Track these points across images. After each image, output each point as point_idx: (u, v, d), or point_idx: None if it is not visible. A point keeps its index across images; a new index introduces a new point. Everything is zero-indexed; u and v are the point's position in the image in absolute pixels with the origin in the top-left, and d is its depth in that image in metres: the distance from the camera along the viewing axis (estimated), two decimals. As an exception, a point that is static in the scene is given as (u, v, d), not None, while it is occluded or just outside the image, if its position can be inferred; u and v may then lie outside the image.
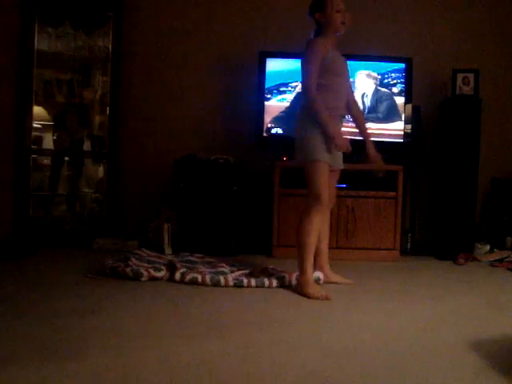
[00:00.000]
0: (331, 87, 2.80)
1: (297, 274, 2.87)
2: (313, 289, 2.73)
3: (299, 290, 2.77)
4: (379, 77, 4.07)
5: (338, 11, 2.78)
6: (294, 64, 4.04)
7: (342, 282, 3.03)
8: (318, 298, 2.66)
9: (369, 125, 3.85)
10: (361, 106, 4.03)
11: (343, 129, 2.98)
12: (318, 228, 2.79)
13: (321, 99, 2.74)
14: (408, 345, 2.01)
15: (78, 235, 4.11)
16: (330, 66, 2.79)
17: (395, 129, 4.04)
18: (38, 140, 4.14)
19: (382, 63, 4.08)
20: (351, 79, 4.02)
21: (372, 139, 3.07)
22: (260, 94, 4.05)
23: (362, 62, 4.07)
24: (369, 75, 4.07)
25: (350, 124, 3.87)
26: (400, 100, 4.05)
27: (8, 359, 1.72)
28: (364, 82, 4.06)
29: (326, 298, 2.66)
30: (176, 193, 3.91)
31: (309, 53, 2.78)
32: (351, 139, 3.70)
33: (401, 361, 1.83)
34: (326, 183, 2.77)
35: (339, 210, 3.83)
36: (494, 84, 4.35)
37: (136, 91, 4.38)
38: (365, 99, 4.04)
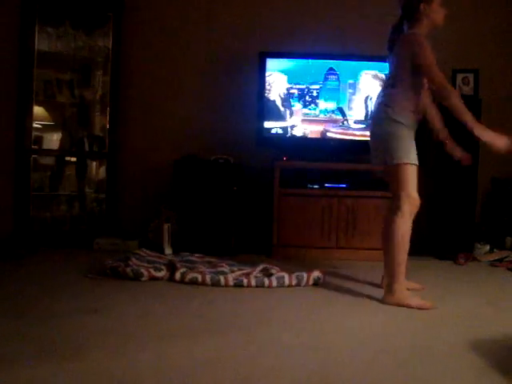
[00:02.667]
0: (423, 88, 2.72)
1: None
2: (410, 298, 2.58)
3: (392, 300, 2.59)
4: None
5: (441, 5, 2.70)
6: (289, 64, 4.04)
7: (412, 287, 2.84)
8: (421, 308, 2.51)
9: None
10: (363, 111, 4.02)
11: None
12: (410, 230, 2.66)
13: (408, 100, 2.67)
14: (408, 345, 2.01)
15: (77, 235, 4.10)
16: None
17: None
18: (39, 140, 4.14)
19: (384, 63, 4.05)
20: (352, 81, 4.03)
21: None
22: (260, 94, 4.05)
23: (364, 62, 4.02)
24: (375, 76, 3.96)
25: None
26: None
27: (8, 359, 1.72)
28: (369, 84, 3.94)
29: (431, 307, 2.52)
30: (176, 193, 3.91)
31: (421, 47, 2.63)
32: (351, 140, 3.70)
33: (401, 361, 1.83)
34: (416, 183, 2.69)
35: (339, 210, 3.83)
36: (494, 84, 4.34)
37: (136, 91, 4.38)
38: (368, 102, 3.96)
